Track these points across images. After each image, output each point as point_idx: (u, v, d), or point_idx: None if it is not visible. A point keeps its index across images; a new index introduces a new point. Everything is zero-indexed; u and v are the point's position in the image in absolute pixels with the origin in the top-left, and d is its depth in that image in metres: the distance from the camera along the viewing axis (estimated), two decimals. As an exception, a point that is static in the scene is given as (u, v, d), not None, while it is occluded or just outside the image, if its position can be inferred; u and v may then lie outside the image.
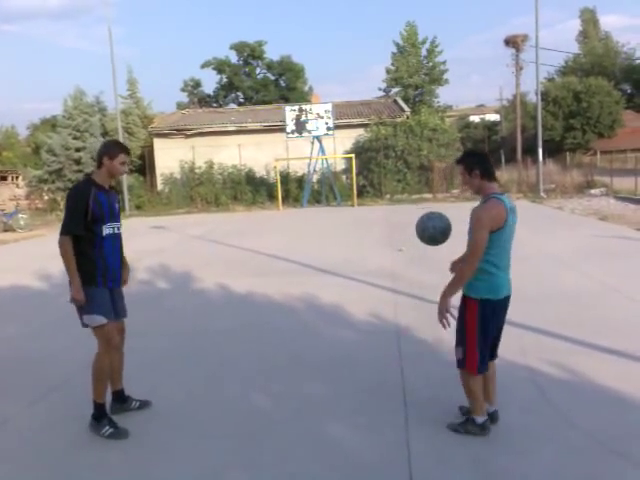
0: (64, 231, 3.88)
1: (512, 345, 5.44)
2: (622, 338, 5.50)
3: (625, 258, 9.68)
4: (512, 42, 37.70)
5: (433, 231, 3.91)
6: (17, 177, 44.34)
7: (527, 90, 49.51)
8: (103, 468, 3.59)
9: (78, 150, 28.50)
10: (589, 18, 62.26)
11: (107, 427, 3.92)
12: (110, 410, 4.17)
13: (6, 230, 19.98)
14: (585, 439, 3.66)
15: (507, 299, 3.78)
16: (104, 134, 29.76)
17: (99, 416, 3.96)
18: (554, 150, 37.91)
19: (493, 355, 3.90)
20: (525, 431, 3.81)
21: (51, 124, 42.85)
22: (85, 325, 3.97)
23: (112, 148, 4.07)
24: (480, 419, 3.74)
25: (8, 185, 43.92)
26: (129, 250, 13.05)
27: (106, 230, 3.97)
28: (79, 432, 4.03)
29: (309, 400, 4.48)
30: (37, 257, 12.94)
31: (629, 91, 56.94)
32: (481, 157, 3.80)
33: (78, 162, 28.26)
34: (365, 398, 4.45)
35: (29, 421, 4.35)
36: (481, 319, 3.64)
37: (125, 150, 4.12)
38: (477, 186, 3.72)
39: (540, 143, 24.31)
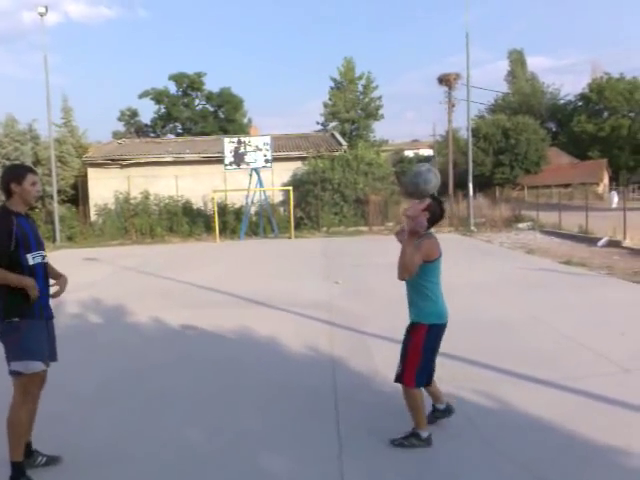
0: None
1: (441, 373, 5.60)
2: (545, 366, 5.77)
3: (550, 289, 10.13)
4: (445, 80, 39.23)
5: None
6: (-60, 206, 42.45)
7: (459, 126, 51.52)
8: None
9: (7, 179, 27.56)
10: (517, 59, 65.49)
11: None
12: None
13: None
14: (512, 467, 3.81)
15: (445, 325, 4.15)
16: (35, 162, 28.94)
17: (17, 477, 3.59)
18: (484, 184, 39.39)
19: (430, 380, 4.27)
20: (454, 457, 3.94)
21: (-22, 151, 41.39)
22: (13, 372, 3.57)
23: (17, 171, 3.78)
24: (424, 433, 4.03)
25: None
26: (60, 283, 12.35)
27: (33, 260, 3.67)
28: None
29: (244, 432, 4.48)
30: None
31: (554, 129, 59.97)
32: (442, 215, 4.18)
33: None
34: (300, 429, 4.49)
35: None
36: (426, 342, 4.01)
37: (31, 170, 3.84)
38: (415, 217, 3.99)
39: (470, 178, 25.22)
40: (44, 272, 3.80)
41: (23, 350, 3.54)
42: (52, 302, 3.99)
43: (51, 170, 25.90)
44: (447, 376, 5.53)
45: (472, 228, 23.96)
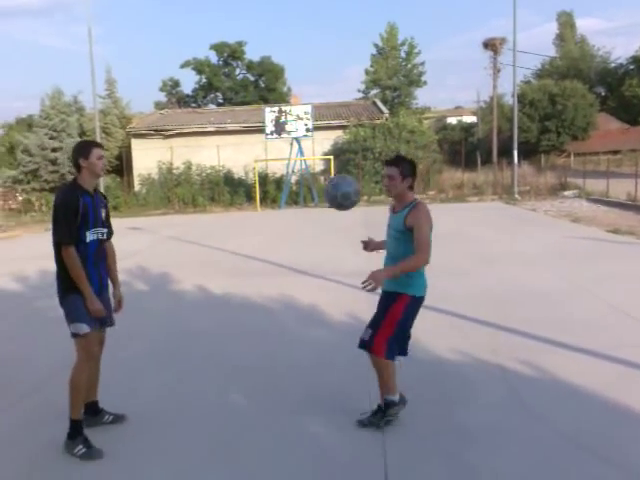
0: (66, 241, 3.71)
1: (483, 344, 5.60)
2: (589, 336, 5.68)
3: (596, 258, 9.91)
4: (490, 45, 38.13)
5: (347, 189, 4.06)
6: (-9, 177, 43.74)
7: (504, 92, 49.92)
8: (91, 464, 3.63)
9: (54, 150, 28.24)
10: (566, 21, 63.14)
11: (80, 446, 3.73)
12: (84, 424, 3.97)
13: (-20, 231, 19.71)
14: (555, 436, 3.78)
15: (424, 297, 3.98)
16: (81, 134, 29.53)
17: (74, 434, 3.78)
18: (529, 152, 38.43)
19: (405, 351, 4.04)
20: (496, 428, 3.93)
21: (27, 123, 42.32)
22: (72, 334, 3.82)
23: (84, 147, 3.95)
24: (395, 397, 3.95)
25: (-18, 185, 43.32)
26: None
27: (90, 236, 3.83)
28: (57, 437, 3.94)
29: (285, 400, 4.56)
30: (12, 259, 12.82)
31: (603, 94, 57.87)
32: (415, 167, 3.94)
33: (54, 162, 28.00)
34: (342, 397, 4.54)
35: (7, 424, 4.37)
36: (407, 314, 3.86)
37: (97, 144, 4.02)
38: (401, 192, 3.89)
39: (515, 145, 24.66)
40: (97, 248, 3.93)
41: (75, 314, 3.78)
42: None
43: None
44: (490, 346, 5.53)
45: (516, 196, 23.51)
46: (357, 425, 3.96)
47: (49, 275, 8.70)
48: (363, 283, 3.66)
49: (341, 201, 4.09)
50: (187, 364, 5.52)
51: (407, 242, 3.80)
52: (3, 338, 6.68)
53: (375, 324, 3.91)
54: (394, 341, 3.87)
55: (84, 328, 3.77)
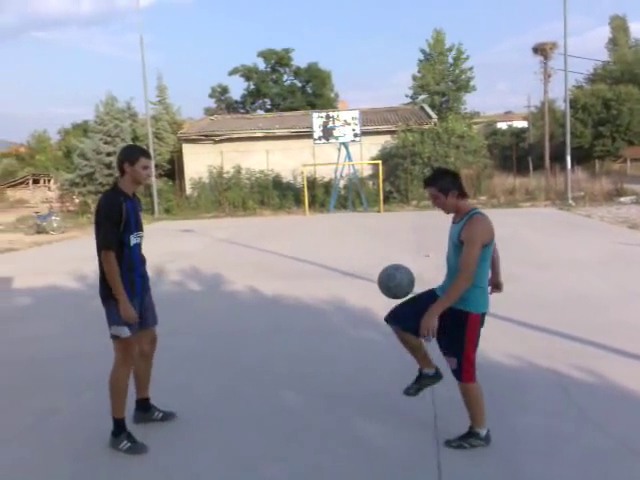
0: (106, 246, 3.71)
1: (539, 349, 5.53)
2: (646, 343, 5.56)
3: (654, 266, 9.63)
4: (540, 50, 37.52)
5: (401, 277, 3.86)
6: (49, 180, 45.31)
7: (555, 97, 48.93)
8: (145, 461, 3.74)
9: (109, 155, 29.03)
10: (619, 25, 61.46)
11: (125, 442, 3.81)
12: (133, 418, 4.15)
13: (39, 232, 20.39)
14: (609, 441, 3.73)
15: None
16: (134, 139, 30.28)
17: (117, 431, 3.85)
18: (583, 157, 37.54)
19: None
20: (551, 433, 3.88)
21: (82, 129, 43.68)
22: (113, 336, 3.86)
23: (131, 153, 3.91)
24: (483, 431, 3.68)
25: (41, 188, 44.95)
26: (160, 252, 13.38)
27: (133, 240, 3.86)
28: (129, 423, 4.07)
29: (339, 399, 4.60)
30: (71, 259, 13.27)
31: (660, 98, 55.96)
32: (455, 176, 3.70)
33: (109, 166, 28.78)
34: (395, 398, 4.54)
35: (66, 418, 4.54)
36: (478, 331, 3.65)
37: (145, 154, 3.95)
38: (454, 206, 3.66)
39: (569, 150, 24.13)
40: (140, 252, 4.00)
41: (117, 317, 3.80)
42: (154, 271, 4.23)
43: (148, 146, 26.97)
44: (545, 351, 5.46)
45: (570, 202, 23.00)
46: (448, 446, 3.71)
47: (107, 274, 8.99)
48: (422, 337, 3.52)
49: (395, 291, 3.88)
50: (239, 364, 5.62)
51: (460, 254, 3.57)
52: (61, 335, 6.93)
53: (454, 352, 3.63)
54: (474, 363, 3.67)
55: (125, 331, 3.79)
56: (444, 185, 3.62)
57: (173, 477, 3.50)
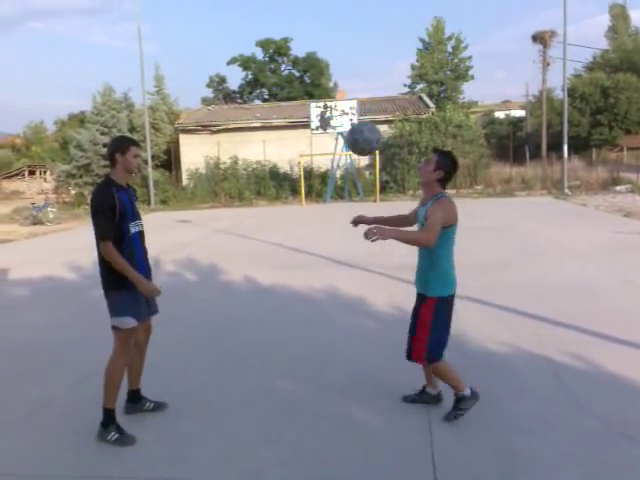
0: (105, 236, 3.73)
1: (529, 336, 5.58)
2: (635, 329, 5.62)
3: (648, 254, 9.67)
4: (539, 38, 37.35)
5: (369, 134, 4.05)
6: (45, 172, 45.21)
7: (554, 86, 48.88)
8: (140, 447, 3.78)
9: (105, 146, 28.91)
10: (619, 13, 61.21)
11: (113, 433, 3.82)
12: (123, 409, 4.16)
13: (35, 223, 20.39)
14: (598, 424, 3.79)
15: (454, 294, 3.94)
16: (131, 130, 30.19)
17: (107, 422, 3.85)
18: (580, 146, 37.51)
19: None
20: (542, 416, 3.93)
21: (79, 119, 43.56)
22: (112, 327, 3.88)
23: (122, 143, 3.97)
24: (467, 391, 3.89)
25: (36, 179, 44.84)
26: (156, 243, 13.34)
27: (132, 229, 3.90)
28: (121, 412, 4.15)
29: (330, 384, 4.65)
30: (67, 249, 13.27)
31: (658, 87, 55.84)
32: (454, 165, 3.88)
33: (105, 157, 28.72)
34: (387, 382, 4.60)
35: (69, 403, 4.58)
36: (436, 315, 3.81)
37: (135, 143, 4.02)
38: (430, 181, 3.85)
39: (565, 139, 24.12)
40: (141, 240, 4.04)
41: (121, 308, 3.84)
42: (151, 259, 4.25)
43: (145, 136, 26.93)
44: (537, 338, 5.51)
45: (566, 191, 23.02)
46: (445, 420, 3.90)
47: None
48: (367, 234, 3.62)
49: (363, 145, 4.08)
50: (232, 351, 5.66)
51: None
52: (61, 324, 6.96)
53: (411, 333, 3.94)
54: (436, 344, 3.83)
55: (129, 322, 3.83)
56: (442, 162, 3.83)
57: (168, 465, 3.54)
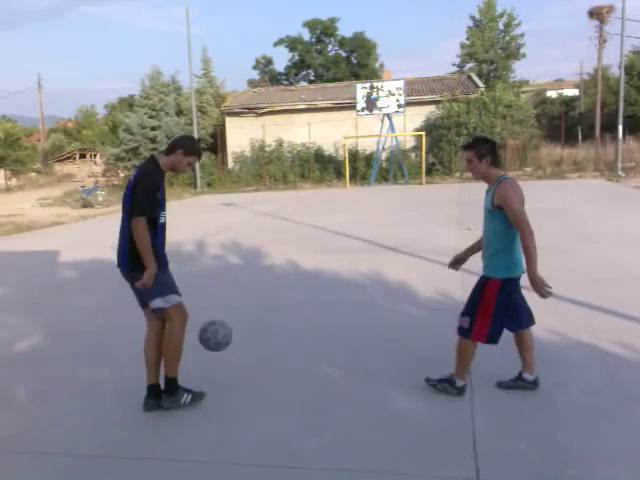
0: (139, 212, 3.71)
1: (580, 324, 5.40)
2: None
3: None
4: (596, 14, 36.06)
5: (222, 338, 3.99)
6: (95, 155, 46.27)
7: (610, 64, 47.09)
8: (184, 430, 3.81)
9: (154, 129, 29.38)
10: (680, -15, 58.48)
11: (186, 395, 3.94)
12: (144, 407, 4.04)
13: (85, 206, 20.86)
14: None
15: (521, 276, 3.91)
16: (178, 113, 30.51)
17: (174, 389, 3.95)
18: (636, 126, 36.15)
19: (530, 322, 4.04)
20: (592, 409, 3.80)
21: (128, 103, 44.27)
22: (158, 309, 3.88)
23: (192, 147, 3.98)
24: (460, 382, 3.99)
25: (87, 162, 45.96)
26: (201, 225, 13.50)
27: (161, 218, 3.90)
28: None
29: (374, 372, 4.60)
30: (115, 232, 13.47)
31: None
32: (492, 145, 3.90)
33: (153, 140, 29.14)
34: (431, 371, 4.51)
35: (116, 385, 4.65)
36: (501, 298, 3.80)
37: (200, 155, 4.09)
38: (484, 172, 3.85)
39: (620, 119, 23.28)
40: (164, 231, 4.01)
41: (164, 288, 3.87)
42: (196, 242, 4.25)
43: (192, 120, 27.20)
44: (589, 327, 5.33)
45: (620, 173, 22.24)
46: (427, 382, 4.10)
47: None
48: (545, 297, 3.68)
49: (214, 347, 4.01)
50: (277, 335, 5.66)
51: (494, 220, 3.80)
52: (106, 308, 7.08)
53: (469, 311, 3.90)
54: (497, 325, 3.86)
55: (173, 299, 3.89)
56: (480, 150, 3.83)
57: (213, 449, 3.56)
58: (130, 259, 3.85)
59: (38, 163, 47.92)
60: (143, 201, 3.74)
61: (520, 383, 4.09)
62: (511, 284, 3.85)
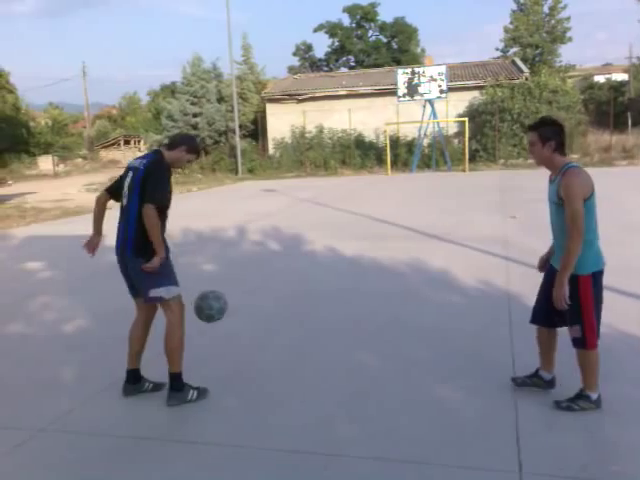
0: (155, 200, 3.77)
1: (631, 317, 5.23)
2: None
3: None
4: (646, -6, 34.74)
5: (209, 312, 3.91)
6: (139, 141, 46.99)
7: (661, 47, 45.45)
8: (223, 414, 3.84)
9: (195, 115, 29.66)
10: None
11: (192, 391, 3.95)
12: (123, 392, 4.11)
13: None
14: None
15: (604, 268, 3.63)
16: (220, 100, 30.71)
17: (181, 385, 3.96)
18: (689, 112, 34.90)
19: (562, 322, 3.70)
20: (638, 402, 3.69)
21: (170, 90, 44.73)
22: (158, 298, 3.89)
23: (194, 146, 4.09)
24: (594, 395, 3.59)
25: (131, 149, 46.71)
26: (242, 212, 13.56)
27: (168, 212, 4.00)
28: (205, 380, 4.24)
29: (414, 361, 4.55)
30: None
31: None
32: (559, 128, 3.53)
33: (195, 127, 29.43)
34: (473, 361, 4.45)
35: (160, 369, 4.72)
36: (595, 293, 3.51)
37: (199, 155, 4.26)
38: (547, 158, 3.52)
39: (673, 104, 22.45)
40: (164, 226, 4.02)
41: (166, 277, 3.90)
42: (237, 228, 4.26)
43: (233, 106, 27.33)
44: (635, 319, 5.17)
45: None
46: (557, 407, 3.64)
47: (191, 233, 9.22)
48: (560, 306, 3.46)
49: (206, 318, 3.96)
50: (314, 322, 5.65)
51: (563, 214, 3.45)
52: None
53: (576, 319, 3.52)
54: (597, 323, 3.57)
55: (177, 290, 3.93)
56: (545, 133, 3.49)
57: (252, 433, 3.57)
58: (136, 244, 3.89)
59: (84, 149, 49.01)
60: (158, 188, 3.82)
61: (535, 380, 3.89)
62: (599, 276, 3.55)
